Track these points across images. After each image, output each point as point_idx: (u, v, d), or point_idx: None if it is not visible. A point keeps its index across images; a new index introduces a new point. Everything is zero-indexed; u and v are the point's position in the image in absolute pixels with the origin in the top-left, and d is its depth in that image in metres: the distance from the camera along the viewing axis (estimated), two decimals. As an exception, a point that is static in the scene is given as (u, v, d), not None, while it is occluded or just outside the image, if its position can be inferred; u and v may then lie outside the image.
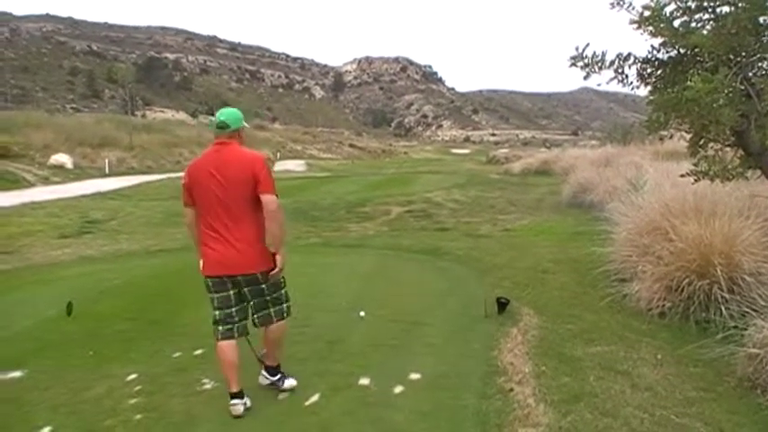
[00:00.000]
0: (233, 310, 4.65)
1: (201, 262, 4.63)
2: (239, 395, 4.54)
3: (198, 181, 4.52)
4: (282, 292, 4.84)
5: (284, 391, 4.91)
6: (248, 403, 4.57)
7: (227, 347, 4.61)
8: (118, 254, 11.80)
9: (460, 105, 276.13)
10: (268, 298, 4.73)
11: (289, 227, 14.25)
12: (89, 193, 24.24)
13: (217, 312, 4.65)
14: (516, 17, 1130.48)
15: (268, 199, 4.46)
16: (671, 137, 7.66)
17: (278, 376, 4.95)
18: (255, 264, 4.51)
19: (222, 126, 4.59)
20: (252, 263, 4.51)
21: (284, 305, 4.85)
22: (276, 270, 4.59)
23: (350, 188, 25.50)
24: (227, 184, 4.42)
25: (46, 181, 29.19)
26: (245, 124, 4.83)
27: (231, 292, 4.61)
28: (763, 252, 6.34)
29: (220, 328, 4.64)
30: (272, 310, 4.77)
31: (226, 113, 4.69)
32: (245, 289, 4.62)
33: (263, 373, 4.97)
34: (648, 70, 6.20)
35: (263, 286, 4.64)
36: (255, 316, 4.78)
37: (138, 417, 4.51)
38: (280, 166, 48.09)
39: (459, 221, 15.51)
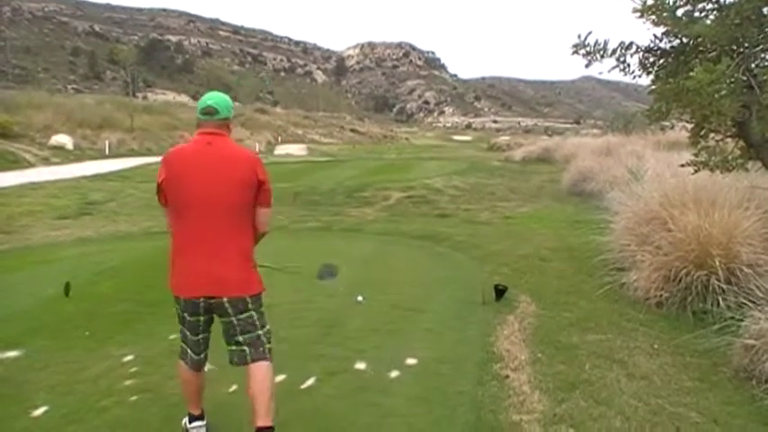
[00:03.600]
0: (200, 337, 3.83)
1: (174, 278, 3.72)
2: (201, 417, 3.99)
3: (184, 175, 3.61)
4: (268, 326, 3.88)
5: None
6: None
7: (197, 376, 3.96)
8: (117, 235, 11.80)
9: (463, 92, 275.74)
10: (262, 332, 3.78)
11: (288, 211, 14.29)
12: (89, 174, 24.20)
13: (190, 337, 3.84)
14: (520, 4, 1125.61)
15: (267, 215, 3.84)
16: (672, 127, 7.65)
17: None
18: (249, 283, 3.72)
19: (209, 112, 3.70)
20: (244, 282, 3.69)
21: (267, 344, 3.83)
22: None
23: (350, 173, 25.46)
24: (226, 185, 3.58)
25: (46, 161, 29.16)
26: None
27: (202, 318, 3.74)
28: (762, 244, 6.34)
29: (191, 354, 3.87)
30: (267, 346, 3.81)
31: (215, 98, 3.78)
32: (235, 318, 3.68)
33: None
34: (651, 59, 6.17)
35: (254, 314, 3.73)
36: (251, 352, 3.74)
37: (134, 398, 4.53)
38: (281, 149, 48.05)
39: (459, 208, 15.50)
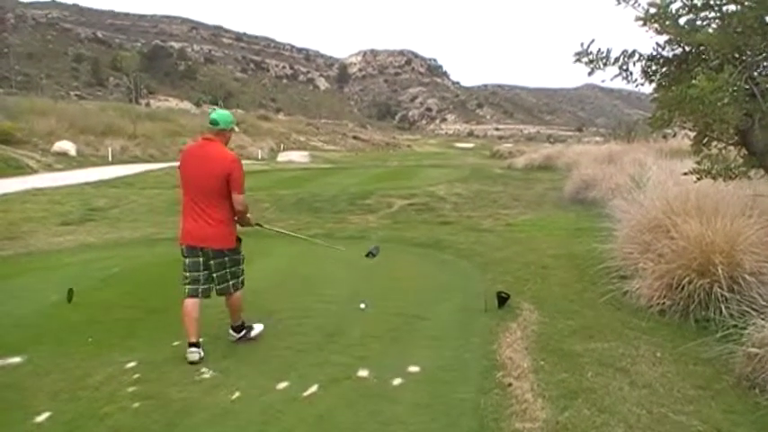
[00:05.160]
0: (200, 274, 5.54)
1: (181, 232, 5.57)
2: (196, 345, 5.39)
3: (186, 165, 5.52)
4: (241, 267, 5.79)
5: (252, 339, 5.92)
6: (202, 354, 5.40)
7: (191, 304, 5.49)
8: (120, 242, 11.80)
9: (465, 99, 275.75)
10: (228, 271, 5.62)
11: (291, 218, 14.31)
12: (92, 180, 24.19)
13: (187, 274, 5.55)
14: (523, 12, 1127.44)
15: (238, 199, 5.49)
16: (675, 135, 7.63)
17: (243, 332, 5.88)
18: (223, 240, 5.52)
19: (212, 123, 5.54)
20: (220, 239, 5.50)
21: (240, 279, 5.78)
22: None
23: (353, 180, 25.47)
24: (207, 175, 5.37)
25: (49, 168, 29.14)
26: (236, 128, 5.80)
27: (201, 260, 5.52)
28: (765, 252, 6.33)
29: (188, 287, 5.54)
30: (230, 282, 5.66)
31: (219, 113, 5.65)
32: (212, 261, 5.52)
33: (230, 332, 5.90)
34: (653, 68, 6.17)
35: (227, 259, 5.58)
36: (217, 287, 5.65)
37: (137, 404, 4.52)
38: (283, 156, 48.12)
39: (462, 215, 15.49)
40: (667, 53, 6.12)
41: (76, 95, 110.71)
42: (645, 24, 5.60)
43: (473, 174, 28.42)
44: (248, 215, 5.78)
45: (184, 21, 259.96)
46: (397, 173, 31.65)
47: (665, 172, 10.18)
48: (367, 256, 7.58)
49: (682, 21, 5.59)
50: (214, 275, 5.57)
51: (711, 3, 5.53)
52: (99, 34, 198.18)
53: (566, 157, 29.19)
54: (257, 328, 6.01)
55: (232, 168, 5.38)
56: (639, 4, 5.67)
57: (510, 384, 4.81)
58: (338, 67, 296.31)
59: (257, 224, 6.22)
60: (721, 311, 5.85)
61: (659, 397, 4.62)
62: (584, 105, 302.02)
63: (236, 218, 5.66)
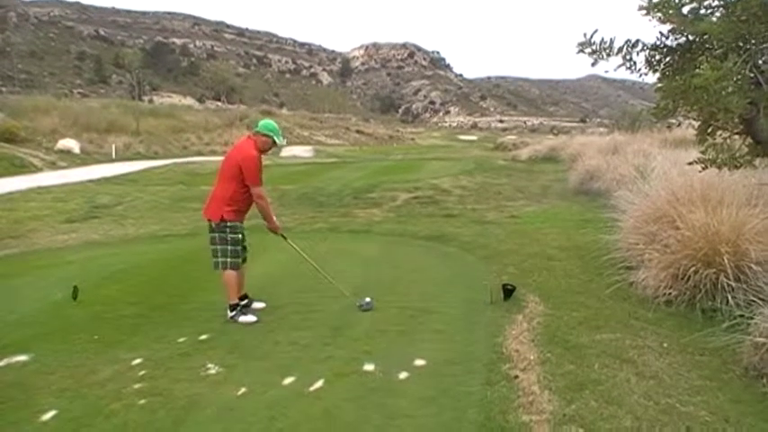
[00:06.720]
0: (210, 248, 6.51)
1: None
2: (243, 296, 6.76)
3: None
4: (229, 248, 6.41)
5: (238, 322, 6.35)
6: (255, 303, 6.80)
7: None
8: (124, 239, 11.81)
9: (468, 92, 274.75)
10: (218, 248, 6.44)
11: (295, 213, 14.31)
12: (96, 178, 24.22)
13: None
14: (525, 3, 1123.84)
15: (254, 191, 6.41)
16: (679, 124, 7.60)
17: (233, 312, 6.41)
18: (212, 213, 6.40)
19: (255, 125, 6.67)
20: (211, 211, 6.43)
21: (226, 260, 6.43)
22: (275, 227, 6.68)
23: (357, 174, 25.44)
24: (226, 162, 6.50)
25: (53, 166, 29.16)
26: (278, 139, 6.58)
27: (209, 235, 6.52)
28: (771, 241, 6.30)
29: None
30: (219, 259, 6.46)
31: (263, 121, 6.74)
32: (209, 234, 6.51)
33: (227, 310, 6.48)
34: (657, 57, 6.14)
35: (216, 236, 6.42)
36: (212, 259, 6.52)
37: (143, 401, 4.52)
38: (286, 151, 48.07)
39: (466, 208, 15.46)
40: (671, 42, 6.09)
41: (79, 93, 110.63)
42: (648, 14, 5.57)
43: (477, 166, 28.36)
44: (274, 220, 6.65)
45: (186, 17, 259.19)
46: (400, 166, 31.59)
47: (670, 162, 10.14)
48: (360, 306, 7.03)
49: (685, 10, 5.56)
50: (210, 248, 6.52)
51: (715, -9, 5.51)
52: (101, 31, 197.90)
53: (570, 149, 29.08)
54: (246, 318, 6.43)
55: (242, 161, 6.34)
56: (642, -7, 5.63)
57: (516, 377, 4.80)
58: (341, 62, 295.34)
59: (282, 235, 6.85)
60: (728, 301, 5.84)
61: (666, 388, 4.60)
62: (587, 96, 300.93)
63: (265, 223, 6.66)
